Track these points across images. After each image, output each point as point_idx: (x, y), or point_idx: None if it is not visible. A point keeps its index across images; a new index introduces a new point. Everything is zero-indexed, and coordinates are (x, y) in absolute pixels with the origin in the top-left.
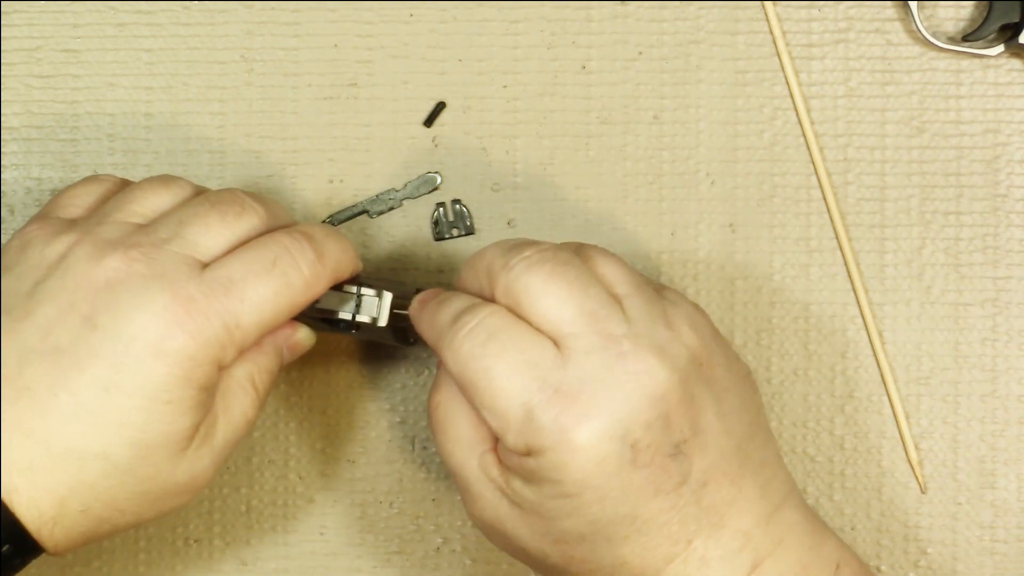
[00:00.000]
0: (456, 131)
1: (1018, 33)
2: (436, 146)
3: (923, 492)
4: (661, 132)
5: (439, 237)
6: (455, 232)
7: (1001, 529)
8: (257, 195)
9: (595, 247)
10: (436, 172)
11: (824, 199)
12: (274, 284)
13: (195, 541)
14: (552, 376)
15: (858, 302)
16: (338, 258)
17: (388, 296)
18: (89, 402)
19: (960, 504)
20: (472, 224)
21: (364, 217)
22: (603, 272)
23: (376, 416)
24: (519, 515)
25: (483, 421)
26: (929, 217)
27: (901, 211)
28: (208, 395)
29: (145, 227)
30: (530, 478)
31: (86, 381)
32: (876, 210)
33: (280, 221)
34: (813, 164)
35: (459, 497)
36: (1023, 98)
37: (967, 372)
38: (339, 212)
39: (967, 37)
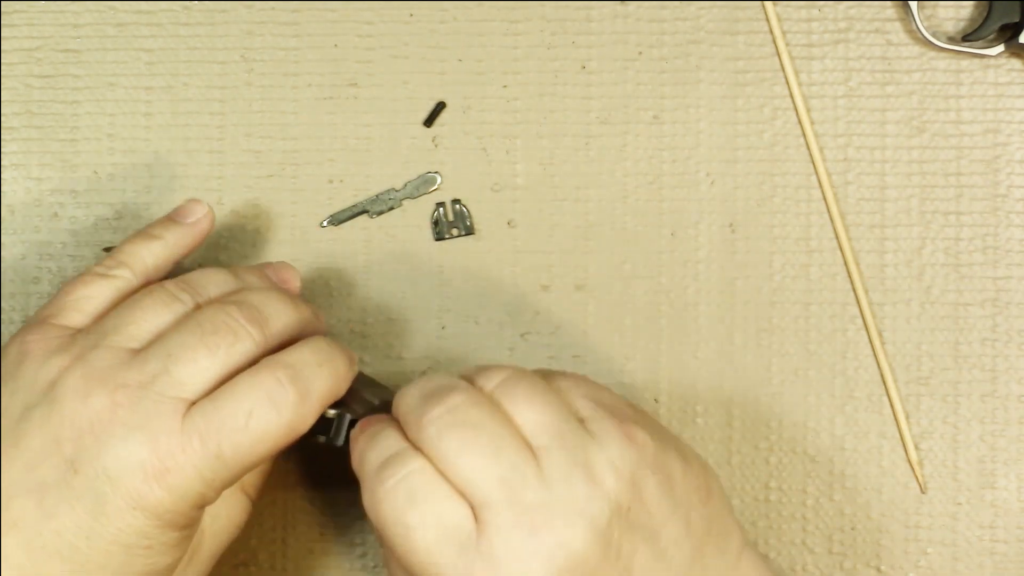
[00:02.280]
0: (456, 131)
1: (1018, 33)
2: (436, 146)
3: (923, 492)
4: (661, 132)
5: (439, 237)
6: (455, 232)
7: (1001, 529)
8: (265, 300)
9: (518, 383)
10: (436, 172)
11: (824, 199)
12: (251, 436)
13: None
14: (468, 550)
15: (858, 302)
16: (326, 391)
17: (347, 418)
18: (71, 544)
19: (960, 504)
20: (472, 224)
21: (364, 217)
22: (522, 420)
23: None
24: None
25: None
26: (929, 217)
27: (901, 211)
28: (192, 529)
29: (136, 357)
30: None
31: (68, 524)
32: (876, 210)
33: (290, 328)
34: (813, 164)
35: None
36: (1023, 98)
37: (967, 372)
38: (339, 212)
39: (967, 37)
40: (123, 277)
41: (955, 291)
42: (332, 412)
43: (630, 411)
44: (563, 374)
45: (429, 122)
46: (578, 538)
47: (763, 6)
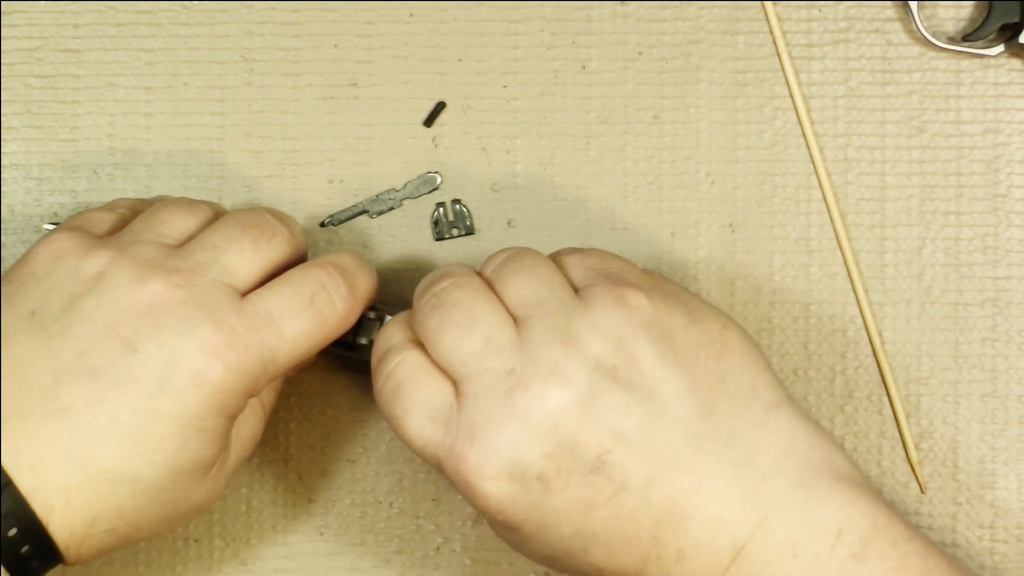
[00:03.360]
0: (456, 131)
1: (1018, 33)
2: (436, 146)
3: (923, 492)
4: (661, 132)
5: (439, 237)
6: (455, 232)
7: (1001, 529)
8: (278, 212)
9: (512, 260)
10: (436, 172)
11: (824, 199)
12: (311, 321)
13: (195, 541)
14: (452, 425)
15: (858, 302)
16: (368, 290)
17: (387, 319)
18: (126, 426)
19: (960, 504)
20: (472, 224)
21: (364, 217)
22: (506, 294)
23: (376, 416)
24: (508, 544)
25: None
26: (929, 217)
27: (901, 211)
28: (232, 423)
29: (179, 250)
30: (485, 519)
31: (124, 405)
32: (876, 210)
33: (299, 239)
34: (813, 164)
35: (459, 496)
36: (1023, 98)
37: (967, 372)
38: (339, 212)
39: (967, 37)
40: (123, 212)
41: (955, 291)
42: (373, 314)
43: (637, 277)
44: (579, 249)
45: (429, 122)
46: (553, 396)
47: (763, 6)
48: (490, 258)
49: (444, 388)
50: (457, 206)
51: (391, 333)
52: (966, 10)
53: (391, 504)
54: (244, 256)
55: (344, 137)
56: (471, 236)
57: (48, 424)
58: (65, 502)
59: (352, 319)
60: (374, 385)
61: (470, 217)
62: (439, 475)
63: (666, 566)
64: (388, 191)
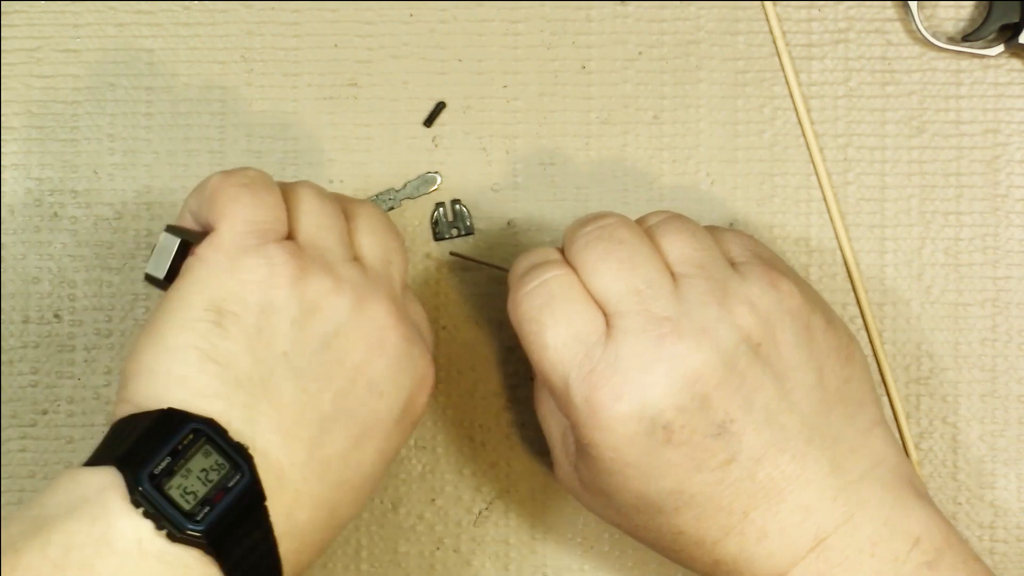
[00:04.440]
0: (456, 131)
1: (1018, 33)
2: (436, 146)
3: None
4: (661, 132)
5: (439, 237)
6: (455, 232)
7: (1001, 529)
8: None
9: (675, 221)
10: (436, 172)
11: (824, 199)
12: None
13: None
14: (594, 352)
15: (858, 302)
16: None
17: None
18: (368, 476)
19: (960, 504)
20: (472, 224)
21: None
22: (668, 250)
23: None
24: (585, 491)
25: None
26: (929, 217)
27: (901, 211)
28: None
29: (377, 269)
30: (581, 455)
31: (369, 451)
32: (876, 210)
33: None
34: (813, 164)
35: (460, 496)
36: (1023, 98)
37: (967, 372)
38: None
39: (967, 37)
40: (273, 202)
41: (955, 291)
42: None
43: (786, 268)
44: (731, 230)
45: (429, 122)
46: (702, 354)
47: (763, 6)
48: (646, 216)
49: (596, 316)
50: (457, 206)
51: (546, 251)
52: (966, 10)
53: (391, 504)
54: (402, 266)
55: (344, 137)
56: (471, 236)
57: (311, 483)
58: (308, 560)
59: None
60: (515, 292)
61: (470, 217)
62: (552, 397)
63: (746, 542)
64: (388, 191)
